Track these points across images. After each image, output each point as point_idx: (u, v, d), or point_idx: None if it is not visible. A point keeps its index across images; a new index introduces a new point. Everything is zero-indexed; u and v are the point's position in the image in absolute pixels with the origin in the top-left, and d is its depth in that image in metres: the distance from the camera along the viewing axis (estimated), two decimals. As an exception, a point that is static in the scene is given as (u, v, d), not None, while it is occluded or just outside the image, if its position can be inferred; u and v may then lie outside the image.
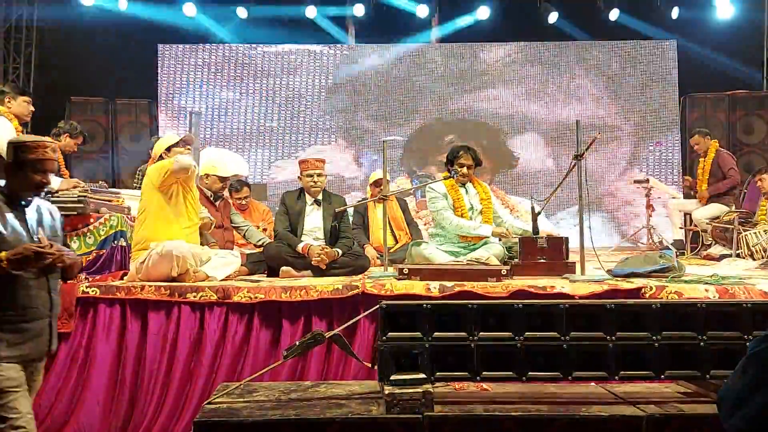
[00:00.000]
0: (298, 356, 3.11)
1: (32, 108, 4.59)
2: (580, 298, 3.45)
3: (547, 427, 2.43)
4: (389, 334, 2.56)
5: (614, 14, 8.69)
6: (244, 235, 4.98)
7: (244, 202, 5.90)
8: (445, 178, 4.67)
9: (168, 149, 4.45)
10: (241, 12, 8.59)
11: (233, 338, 3.58)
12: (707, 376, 2.55)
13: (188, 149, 4.25)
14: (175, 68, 8.95)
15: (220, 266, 4.05)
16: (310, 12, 8.62)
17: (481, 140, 8.71)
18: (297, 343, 2.85)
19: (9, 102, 4.43)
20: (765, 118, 8.44)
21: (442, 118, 9.05)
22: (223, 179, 4.80)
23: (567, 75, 9.06)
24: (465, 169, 4.61)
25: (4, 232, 2.40)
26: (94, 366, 3.57)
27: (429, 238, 4.83)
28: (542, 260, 4.16)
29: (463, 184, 4.68)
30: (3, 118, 4.31)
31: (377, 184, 5.92)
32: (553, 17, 8.72)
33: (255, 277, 4.30)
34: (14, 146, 2.49)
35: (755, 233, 5.35)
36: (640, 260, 4.12)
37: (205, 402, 2.66)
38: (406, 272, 3.80)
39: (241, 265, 4.37)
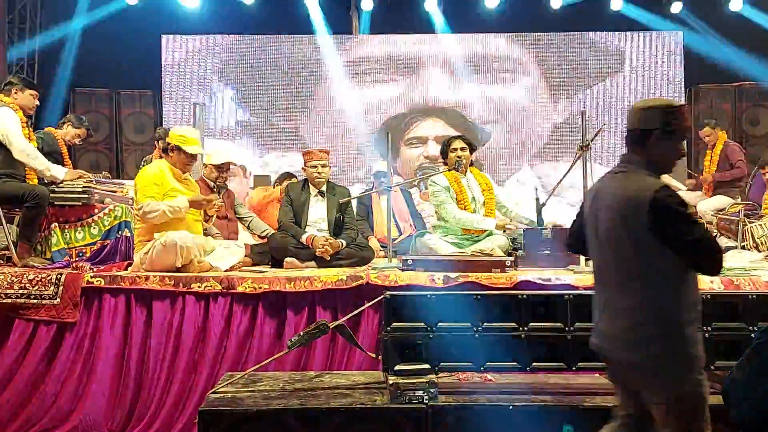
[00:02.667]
0: (302, 346, 3.12)
1: (37, 102, 4.61)
2: (584, 289, 3.44)
3: (551, 417, 2.44)
4: (393, 324, 2.57)
5: (618, 4, 8.63)
6: (248, 226, 4.99)
7: None
8: (448, 170, 4.66)
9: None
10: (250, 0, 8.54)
11: (238, 328, 3.58)
12: (712, 366, 2.55)
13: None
14: (180, 59, 8.94)
15: (225, 257, 4.05)
16: (313, 2, 8.60)
17: (448, 123, 8.72)
18: (301, 333, 2.86)
19: (16, 93, 4.44)
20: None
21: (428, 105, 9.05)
22: (218, 168, 4.81)
23: (570, 65, 9.01)
24: (459, 152, 4.61)
25: None
26: (99, 356, 3.58)
27: (432, 230, 4.83)
28: (546, 251, 4.16)
29: (464, 174, 4.67)
30: (8, 108, 4.31)
31: (379, 176, 5.92)
32: (557, 3, 8.65)
33: (259, 268, 4.30)
34: (665, 111, 2.08)
35: (760, 225, 5.32)
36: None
37: (210, 391, 2.67)
38: (411, 263, 3.80)
39: (246, 255, 4.38)
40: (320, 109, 9.04)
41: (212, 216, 4.27)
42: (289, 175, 6.07)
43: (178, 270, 3.80)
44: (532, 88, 9.06)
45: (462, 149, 4.63)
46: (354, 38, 9.09)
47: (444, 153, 4.73)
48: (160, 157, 5.76)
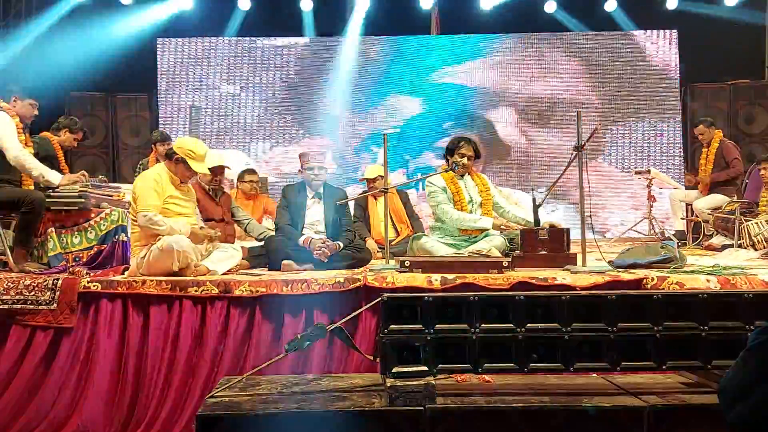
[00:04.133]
0: (299, 349, 3.11)
1: (36, 112, 4.59)
2: (582, 289, 3.44)
3: (549, 418, 2.44)
4: (391, 326, 2.56)
5: (611, 5, 8.67)
6: (246, 228, 4.98)
7: (255, 185, 5.99)
8: (445, 171, 4.66)
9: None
10: (243, 4, 8.57)
11: (235, 332, 3.58)
12: (709, 366, 2.55)
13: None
14: (175, 62, 8.93)
15: (222, 260, 4.05)
16: (308, 5, 8.62)
17: (475, 131, 8.74)
18: (299, 336, 2.85)
19: (15, 101, 4.43)
20: (767, 108, 8.43)
21: (440, 109, 9.05)
22: (212, 171, 4.79)
23: (566, 66, 9.03)
24: (465, 160, 4.60)
25: None
26: (96, 361, 3.57)
27: (429, 232, 4.83)
28: (543, 252, 4.16)
29: (462, 176, 4.67)
30: (4, 113, 4.30)
31: (373, 179, 5.92)
32: (551, 7, 8.69)
33: (256, 271, 4.30)
34: None
35: (757, 223, 5.34)
36: (642, 251, 4.11)
37: (208, 396, 2.66)
38: (408, 265, 3.79)
39: (242, 258, 4.37)
40: (318, 110, 9.03)
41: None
42: (250, 171, 6.11)
43: (175, 274, 3.79)
44: (530, 88, 9.07)
45: (469, 158, 4.62)
46: (350, 39, 9.09)
47: (450, 151, 4.69)
48: (157, 160, 5.76)
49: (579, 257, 4.00)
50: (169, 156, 4.11)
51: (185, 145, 4.10)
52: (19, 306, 3.64)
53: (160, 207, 3.93)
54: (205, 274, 3.87)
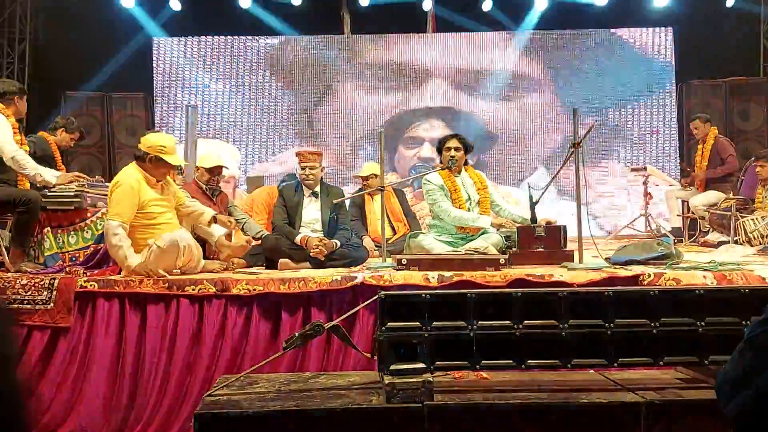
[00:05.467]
0: (297, 348, 3.11)
1: (26, 105, 4.60)
2: (579, 286, 3.45)
3: (547, 414, 2.44)
4: (388, 324, 2.56)
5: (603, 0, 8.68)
6: (243, 228, 4.98)
7: None
8: (441, 169, 4.66)
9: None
10: (244, 2, 8.54)
11: (232, 331, 3.57)
12: (706, 361, 2.56)
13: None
14: (171, 61, 8.92)
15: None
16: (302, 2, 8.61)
17: (456, 125, 8.76)
18: (296, 334, 2.85)
19: (17, 102, 4.43)
20: (762, 105, 8.45)
21: (431, 107, 9.06)
22: (210, 171, 4.77)
23: (563, 62, 9.03)
24: (453, 152, 4.60)
25: None
26: (93, 360, 3.57)
27: (426, 229, 4.83)
28: (540, 249, 4.16)
29: (458, 173, 4.67)
30: (1, 115, 4.28)
31: (366, 177, 5.93)
32: (542, 4, 8.69)
33: (254, 270, 4.29)
34: None
35: (753, 220, 5.35)
36: (638, 248, 4.12)
37: (206, 394, 2.66)
38: (405, 263, 3.80)
39: (240, 257, 4.37)
40: (314, 109, 9.03)
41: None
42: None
43: (181, 268, 3.81)
44: (532, 87, 9.09)
45: (456, 149, 4.62)
46: (347, 39, 9.09)
47: (439, 150, 4.73)
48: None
49: (576, 254, 4.00)
50: (140, 158, 3.95)
51: (153, 142, 3.95)
52: (15, 306, 3.63)
53: (131, 217, 3.79)
54: (228, 254, 4.07)
